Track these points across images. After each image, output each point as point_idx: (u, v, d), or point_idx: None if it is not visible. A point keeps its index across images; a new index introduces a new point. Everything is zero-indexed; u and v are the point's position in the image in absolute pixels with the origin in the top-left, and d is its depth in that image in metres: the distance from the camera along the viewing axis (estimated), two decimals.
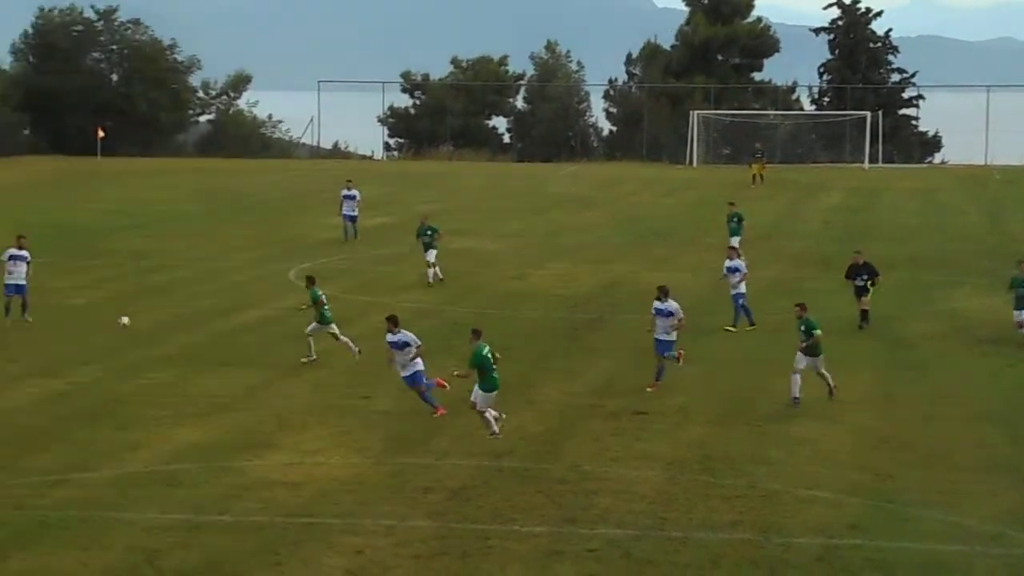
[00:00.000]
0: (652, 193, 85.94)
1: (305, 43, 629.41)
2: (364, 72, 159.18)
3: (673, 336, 32.50)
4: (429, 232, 48.25)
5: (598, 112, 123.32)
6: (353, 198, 59.94)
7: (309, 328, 35.16)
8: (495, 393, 27.51)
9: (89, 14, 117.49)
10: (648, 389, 31.97)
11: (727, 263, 40.70)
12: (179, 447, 27.72)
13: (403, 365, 29.69)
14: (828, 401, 31.30)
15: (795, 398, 30.81)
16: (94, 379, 33.83)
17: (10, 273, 39.43)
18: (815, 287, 46.50)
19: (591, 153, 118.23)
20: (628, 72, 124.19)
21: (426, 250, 48.18)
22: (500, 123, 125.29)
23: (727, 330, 39.15)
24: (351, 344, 35.15)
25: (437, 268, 48.24)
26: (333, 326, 35.36)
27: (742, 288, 40.12)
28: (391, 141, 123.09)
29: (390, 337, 29.96)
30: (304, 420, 29.46)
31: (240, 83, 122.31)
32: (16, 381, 33.29)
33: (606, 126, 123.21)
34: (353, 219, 60.06)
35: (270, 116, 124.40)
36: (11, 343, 37.60)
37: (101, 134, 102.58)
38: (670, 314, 32.36)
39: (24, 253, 39.43)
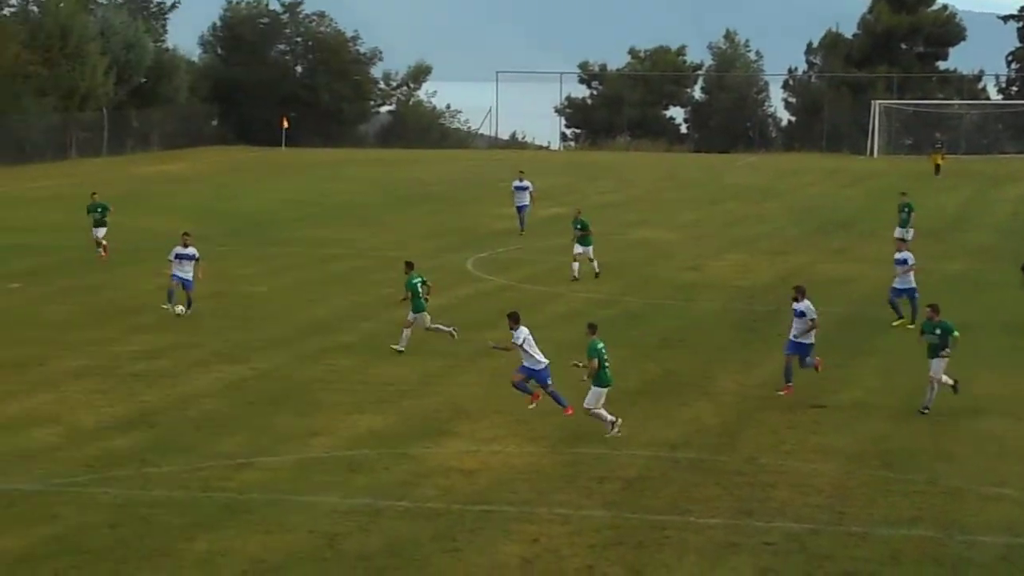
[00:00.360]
0: (831, 184, 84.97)
1: (484, 34, 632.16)
2: (542, 63, 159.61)
3: (807, 339, 31.29)
4: (579, 226, 47.57)
5: (777, 102, 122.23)
6: (525, 189, 59.89)
7: (408, 317, 35.36)
8: (606, 390, 27.18)
9: (275, 7, 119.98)
10: (779, 392, 31.03)
11: (895, 255, 39.91)
12: (359, 433, 28.09)
13: (186, 271, 37.02)
14: (1014, 399, 30.69)
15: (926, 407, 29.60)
16: (276, 365, 34.36)
17: (180, 268, 39.72)
18: (998, 280, 45.40)
19: (769, 144, 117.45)
20: (808, 61, 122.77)
21: (576, 243, 47.63)
22: (677, 113, 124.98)
23: (907, 327, 38.19)
24: (443, 327, 35.92)
25: (595, 262, 47.52)
26: (426, 315, 35.58)
27: (911, 280, 39.03)
28: (568, 131, 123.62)
29: (179, 250, 38.54)
30: (481, 408, 29.60)
31: (420, 74, 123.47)
32: (201, 366, 33.95)
33: (785, 116, 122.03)
34: (523, 209, 59.87)
35: (448, 106, 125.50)
36: (197, 329, 38.32)
37: (285, 125, 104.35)
38: (803, 315, 31.27)
39: (190, 251, 39.36)
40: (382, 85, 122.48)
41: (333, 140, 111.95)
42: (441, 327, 35.53)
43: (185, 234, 39.73)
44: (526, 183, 59.93)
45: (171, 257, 39.37)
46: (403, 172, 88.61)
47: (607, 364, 27.02)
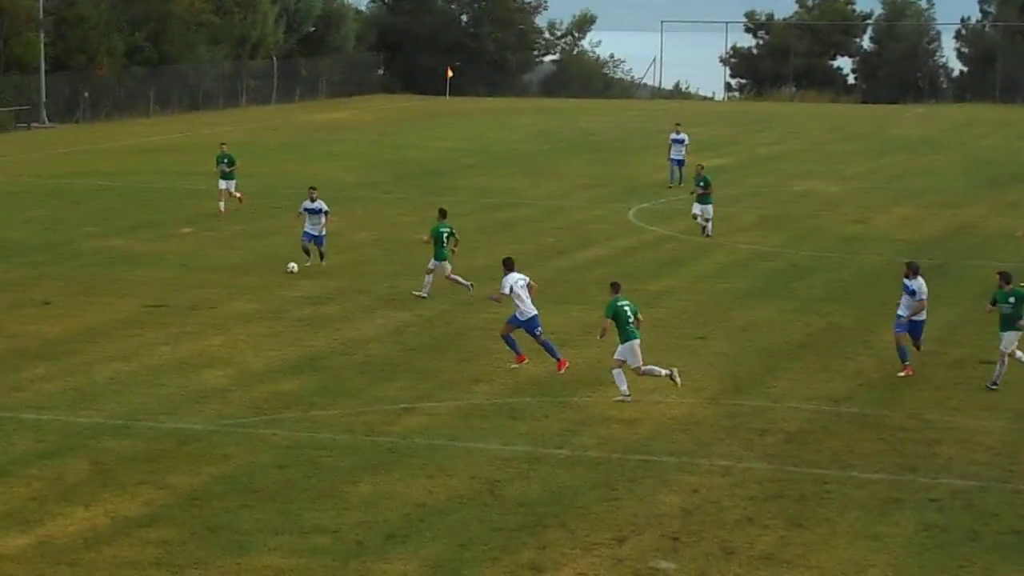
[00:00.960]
0: (1005, 136, 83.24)
1: None
2: (708, 12, 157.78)
3: (919, 317, 29.18)
4: (702, 184, 45.99)
5: (949, 52, 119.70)
6: (681, 142, 58.91)
7: (429, 264, 35.29)
8: (633, 343, 26.30)
9: None
10: (900, 374, 28.97)
11: None
12: (520, 381, 28.19)
13: (314, 225, 35.79)
14: None
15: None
16: (439, 312, 34.63)
17: (309, 222, 39.14)
18: None
19: (939, 95, 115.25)
20: (982, 10, 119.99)
21: (695, 202, 46.10)
22: (844, 64, 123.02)
23: None
24: (461, 280, 35.55)
25: (710, 224, 45.81)
26: (447, 264, 35.31)
27: None
28: (732, 82, 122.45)
29: (307, 204, 37.42)
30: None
31: (584, 23, 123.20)
32: (366, 312, 34.38)
33: (956, 66, 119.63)
34: (681, 163, 58.64)
35: (612, 56, 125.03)
36: (362, 275, 38.80)
37: (450, 74, 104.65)
38: (914, 293, 29.24)
39: (317, 205, 38.63)
40: (546, 35, 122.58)
41: (497, 89, 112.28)
42: (460, 280, 35.37)
43: (311, 188, 39.24)
44: (683, 136, 59.04)
45: (300, 210, 39.27)
46: (566, 121, 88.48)
47: (630, 321, 26.31)
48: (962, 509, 20.95)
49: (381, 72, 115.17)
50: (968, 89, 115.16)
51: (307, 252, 38.83)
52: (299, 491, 21.38)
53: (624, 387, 26.10)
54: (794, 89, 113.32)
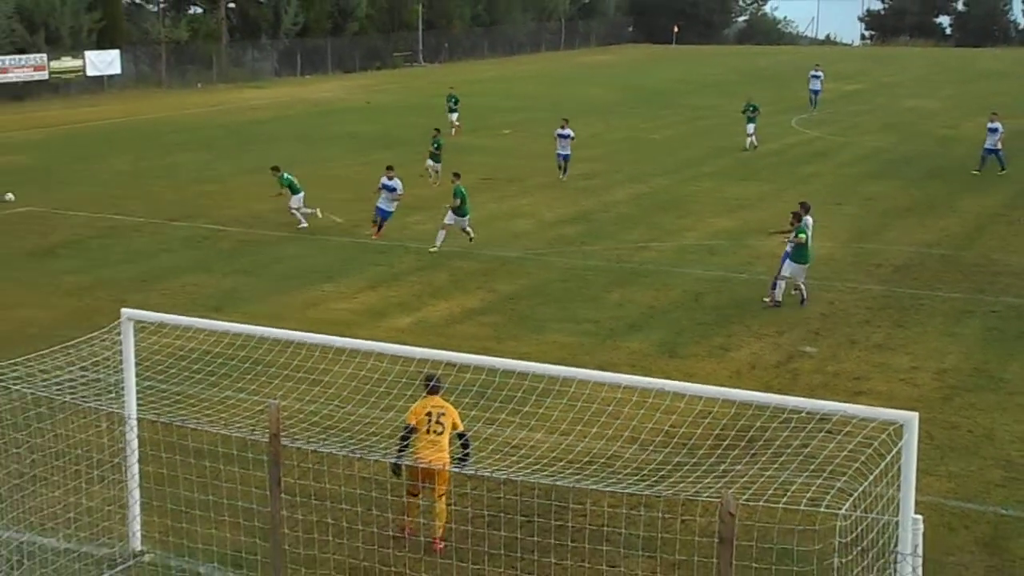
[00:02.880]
0: None
1: None
2: None
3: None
4: (751, 108, 41.17)
5: (1016, 11, 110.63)
6: (818, 77, 54.03)
7: (446, 219, 25.50)
8: (806, 267, 21.04)
9: None
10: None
11: None
12: (716, 230, 27.96)
13: (390, 201, 26.05)
14: None
15: None
16: (664, 185, 34.34)
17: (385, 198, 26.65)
18: None
19: (1010, 41, 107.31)
20: None
21: (747, 123, 40.96)
22: (944, 20, 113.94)
23: None
24: (471, 232, 25.42)
25: (754, 138, 40.87)
26: (466, 219, 25.54)
27: None
28: (865, 33, 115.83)
29: (385, 181, 25.92)
30: None
31: None
32: (618, 185, 34.22)
33: (1022, 22, 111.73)
34: (817, 92, 54.03)
35: (784, 17, 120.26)
36: (617, 162, 38.46)
37: (675, 29, 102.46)
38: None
39: (393, 183, 26.24)
40: (740, 2, 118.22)
41: (706, 40, 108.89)
42: (470, 232, 25.33)
43: (388, 168, 26.71)
44: (820, 72, 54.82)
45: (379, 187, 26.93)
46: (751, 62, 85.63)
47: (810, 244, 20.71)
48: (1015, 318, 20.26)
49: (630, 29, 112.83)
50: None
51: (376, 224, 26.89)
52: (574, 296, 21.74)
53: (778, 295, 20.88)
54: (908, 38, 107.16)
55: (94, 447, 11.95)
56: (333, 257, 25.09)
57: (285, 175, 28.16)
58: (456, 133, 43.97)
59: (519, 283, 22.82)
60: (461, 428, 11.62)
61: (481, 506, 12.38)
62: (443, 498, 11.70)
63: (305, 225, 27.66)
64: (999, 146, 35.23)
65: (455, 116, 45.77)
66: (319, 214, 28.00)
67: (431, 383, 11.78)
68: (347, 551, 10.98)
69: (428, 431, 11.39)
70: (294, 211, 27.85)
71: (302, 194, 28.00)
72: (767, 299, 20.99)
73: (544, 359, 15.30)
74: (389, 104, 58.60)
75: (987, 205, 31.05)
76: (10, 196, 30.96)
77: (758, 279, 22.71)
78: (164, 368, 13.34)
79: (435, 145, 33.86)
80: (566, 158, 34.79)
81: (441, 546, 11.68)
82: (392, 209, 26.49)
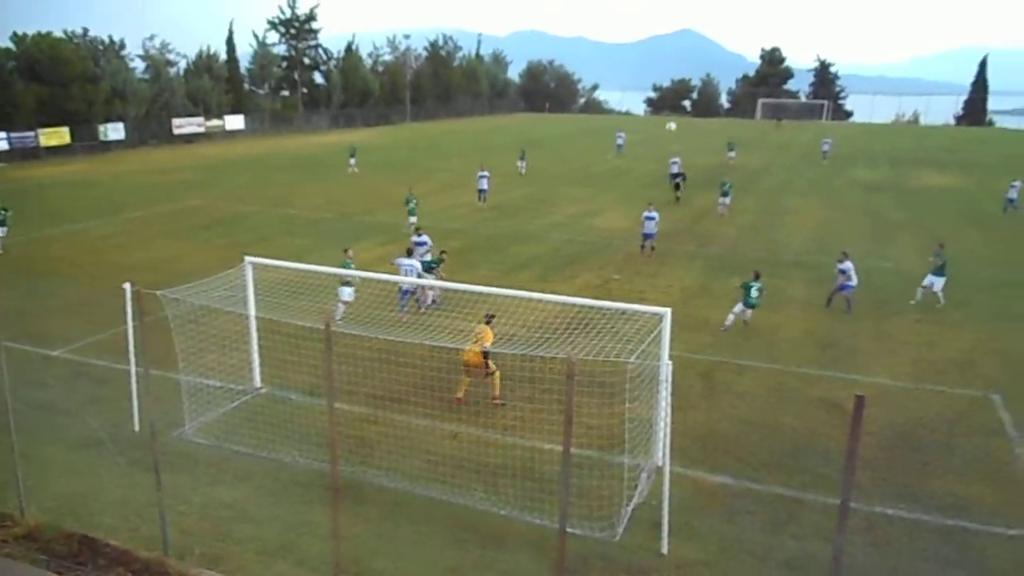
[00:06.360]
0: None
1: None
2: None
3: None
4: (681, 178, 30.08)
5: None
6: (621, 135, 47.17)
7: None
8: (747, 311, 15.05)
9: None
10: None
11: None
12: (567, 214, 26.29)
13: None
14: None
15: None
16: (541, 190, 31.50)
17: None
18: None
19: None
20: None
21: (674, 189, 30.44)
22: None
23: None
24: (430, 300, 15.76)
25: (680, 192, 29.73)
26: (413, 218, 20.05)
27: None
28: (647, 103, 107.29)
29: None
30: None
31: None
32: (515, 189, 31.65)
33: None
34: (621, 147, 45.53)
35: (605, 100, 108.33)
36: (502, 174, 35.74)
37: (547, 105, 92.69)
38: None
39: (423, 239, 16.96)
40: (580, 90, 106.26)
41: (562, 111, 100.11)
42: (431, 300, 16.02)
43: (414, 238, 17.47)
44: (623, 132, 47.61)
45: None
46: (585, 123, 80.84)
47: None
48: (718, 259, 19.97)
49: (522, 104, 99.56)
50: None
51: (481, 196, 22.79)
52: (492, 248, 20.64)
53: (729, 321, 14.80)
54: (669, 112, 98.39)
55: (231, 333, 12.13)
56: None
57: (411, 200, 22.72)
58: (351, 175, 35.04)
59: (463, 242, 21.95)
60: (488, 344, 11.21)
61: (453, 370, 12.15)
62: (491, 376, 11.45)
63: None
64: (675, 170, 32.67)
65: (353, 161, 36.21)
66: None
67: (488, 317, 11.79)
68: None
69: (474, 342, 11.45)
70: None
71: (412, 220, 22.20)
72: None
73: (477, 283, 15.83)
74: (388, 143, 56.17)
75: (707, 202, 28.96)
76: (671, 126, 19.60)
77: (589, 240, 22.61)
78: (268, 290, 12.83)
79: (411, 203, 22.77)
80: (483, 191, 27.70)
81: (496, 401, 11.45)
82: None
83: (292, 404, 11.44)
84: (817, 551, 8.44)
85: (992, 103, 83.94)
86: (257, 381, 12.44)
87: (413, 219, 22.39)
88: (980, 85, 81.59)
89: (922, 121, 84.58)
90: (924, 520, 9.16)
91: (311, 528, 8.77)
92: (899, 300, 16.97)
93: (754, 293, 15.06)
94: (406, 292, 15.08)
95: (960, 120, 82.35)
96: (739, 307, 15.25)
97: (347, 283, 14.53)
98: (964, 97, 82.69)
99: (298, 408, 11.36)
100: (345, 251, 15.38)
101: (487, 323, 11.71)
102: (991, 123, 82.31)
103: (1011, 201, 27.57)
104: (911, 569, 8.32)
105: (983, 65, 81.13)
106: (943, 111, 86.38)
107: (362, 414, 11.11)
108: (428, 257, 16.90)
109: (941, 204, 30.05)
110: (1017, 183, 28.09)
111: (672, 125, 17.22)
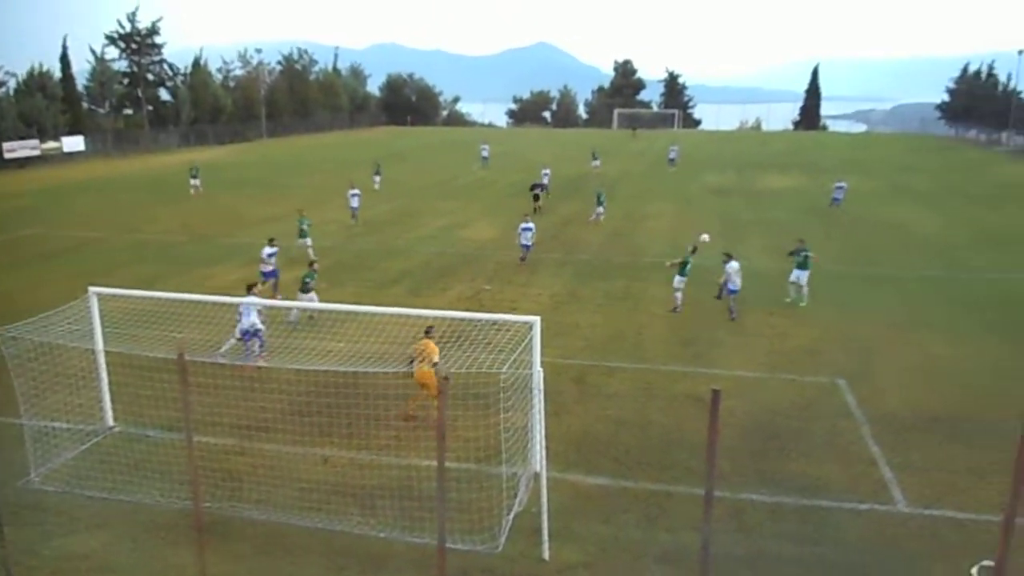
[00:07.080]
0: None
1: None
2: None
3: None
4: (602, 197, 26.64)
5: None
6: (486, 147, 46.22)
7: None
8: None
9: None
10: None
11: None
12: (435, 227, 26.31)
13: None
14: None
15: None
16: (409, 203, 31.57)
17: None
18: None
19: None
20: None
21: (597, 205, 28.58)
22: None
23: None
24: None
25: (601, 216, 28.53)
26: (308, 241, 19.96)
27: None
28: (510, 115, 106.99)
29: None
30: None
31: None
32: (382, 204, 31.49)
33: None
34: (486, 159, 45.32)
35: (467, 112, 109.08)
36: (369, 187, 35.27)
37: (409, 119, 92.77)
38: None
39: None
40: (443, 102, 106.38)
41: (425, 123, 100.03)
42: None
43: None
44: (487, 143, 46.92)
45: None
46: (448, 136, 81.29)
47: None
48: (586, 266, 20.55)
49: (383, 118, 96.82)
50: None
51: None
52: (361, 265, 20.37)
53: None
54: (530, 124, 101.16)
55: (78, 370, 11.19)
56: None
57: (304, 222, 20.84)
58: (195, 196, 33.23)
59: (332, 259, 21.44)
60: (435, 359, 11.01)
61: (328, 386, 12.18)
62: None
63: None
64: (545, 182, 33.19)
65: (196, 182, 34.40)
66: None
67: (428, 330, 11.47)
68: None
69: (422, 360, 11.16)
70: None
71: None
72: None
73: (345, 301, 15.49)
74: (244, 161, 54.27)
75: (572, 210, 30.00)
76: (705, 237, 19.14)
77: (459, 252, 22.76)
78: (117, 322, 11.83)
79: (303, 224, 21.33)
80: (354, 209, 26.60)
81: (412, 419, 11.30)
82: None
83: (149, 441, 10.93)
84: (689, 542, 8.67)
85: (825, 109, 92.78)
86: (109, 420, 11.51)
87: (308, 240, 20.94)
88: (813, 92, 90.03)
89: (764, 127, 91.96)
90: (785, 502, 9.58)
91: (178, 571, 8.43)
92: (754, 296, 17.60)
93: (802, 259, 16.33)
94: (247, 333, 12.99)
95: (797, 125, 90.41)
96: (794, 274, 16.37)
97: (307, 290, 14.20)
98: (800, 104, 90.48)
99: (156, 445, 10.88)
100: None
101: (427, 336, 11.43)
102: (824, 127, 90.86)
103: (835, 200, 29.38)
104: (775, 550, 8.67)
105: (815, 73, 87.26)
106: (783, 118, 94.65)
107: (227, 446, 10.70)
108: (274, 263, 17.09)
109: (785, 204, 32.68)
110: (843, 184, 30.09)
111: (705, 237, 16.39)
